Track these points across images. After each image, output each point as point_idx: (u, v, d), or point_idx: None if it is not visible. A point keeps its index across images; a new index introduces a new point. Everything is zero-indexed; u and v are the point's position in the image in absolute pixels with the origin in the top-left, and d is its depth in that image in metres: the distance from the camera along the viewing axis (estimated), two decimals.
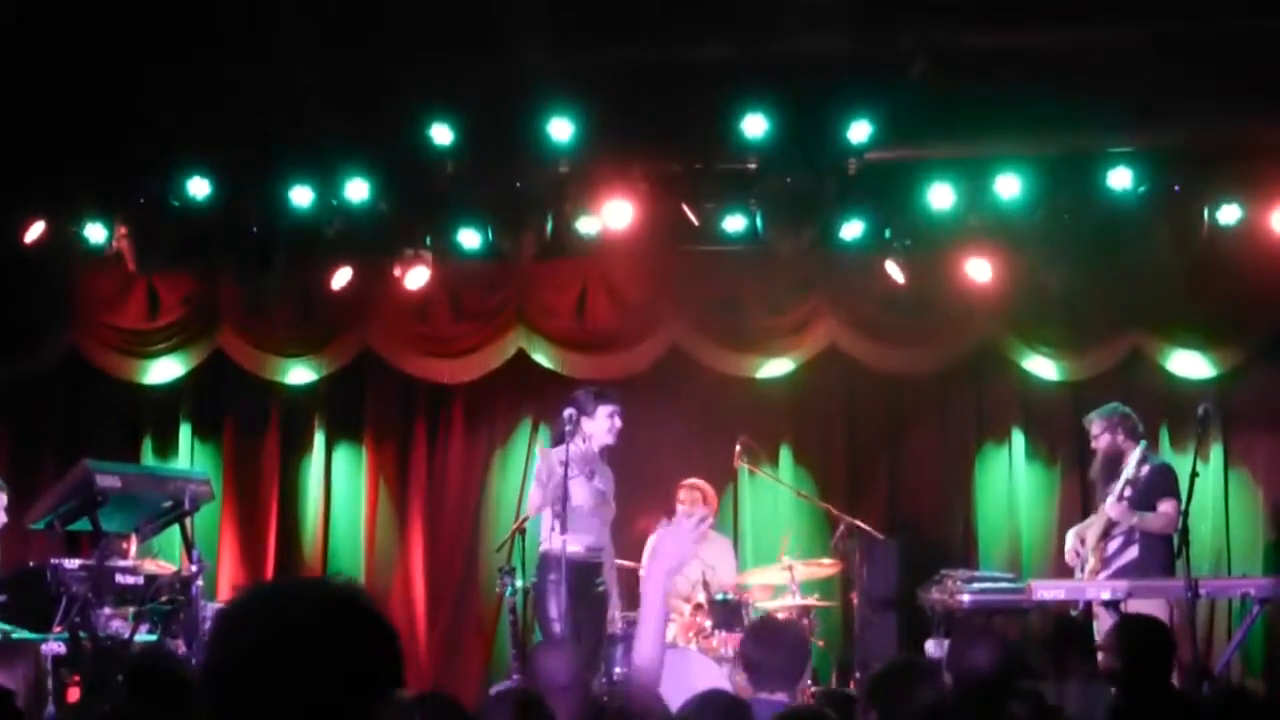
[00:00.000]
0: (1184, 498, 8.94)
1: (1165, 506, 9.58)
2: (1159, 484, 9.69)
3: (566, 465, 9.05)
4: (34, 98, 10.30)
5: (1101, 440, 9.94)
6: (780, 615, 9.90)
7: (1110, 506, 9.75)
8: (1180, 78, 9.90)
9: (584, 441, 9.50)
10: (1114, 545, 9.76)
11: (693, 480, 10.78)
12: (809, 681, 9.78)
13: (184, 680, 5.22)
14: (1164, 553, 9.57)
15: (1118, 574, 9.57)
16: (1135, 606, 8.88)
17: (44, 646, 8.07)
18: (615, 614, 9.49)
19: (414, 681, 7.70)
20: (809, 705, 5.51)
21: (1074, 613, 9.66)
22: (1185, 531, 8.75)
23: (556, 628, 9.04)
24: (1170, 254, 10.84)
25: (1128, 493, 9.70)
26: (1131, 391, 11.17)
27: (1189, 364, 11.17)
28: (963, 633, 8.81)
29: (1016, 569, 11.03)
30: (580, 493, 9.24)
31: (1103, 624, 9.49)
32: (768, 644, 6.02)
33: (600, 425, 9.47)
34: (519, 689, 5.46)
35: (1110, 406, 10.06)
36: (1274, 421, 11.37)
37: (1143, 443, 9.84)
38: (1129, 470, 9.71)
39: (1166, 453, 11.01)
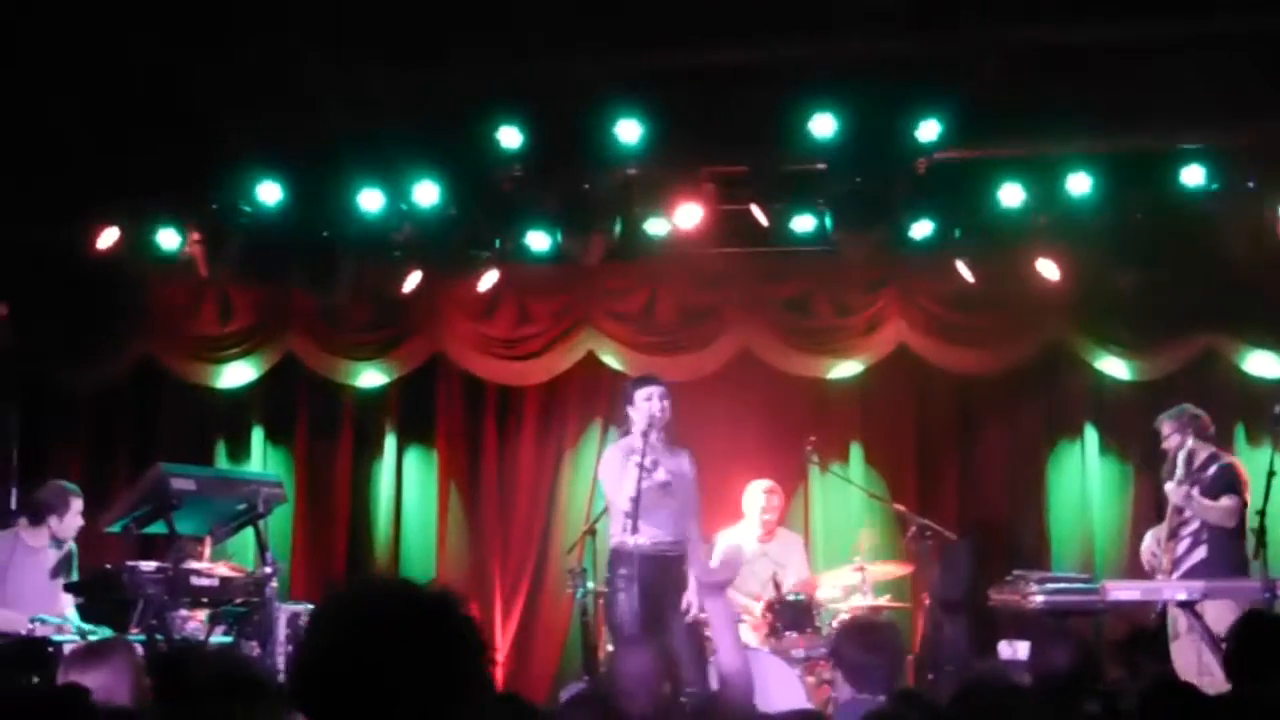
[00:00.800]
0: (1255, 496, 8.88)
1: (1226, 502, 9.54)
2: (1221, 481, 9.64)
3: (642, 462, 8.98)
4: (107, 105, 10.41)
5: (1172, 441, 9.87)
6: (875, 616, 9.83)
7: (1171, 489, 9.71)
8: (1253, 74, 9.82)
9: (628, 433, 9.44)
10: (1182, 546, 9.69)
11: (770, 484, 10.77)
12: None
13: (259, 681, 5.24)
14: (1233, 552, 9.50)
15: (1186, 575, 9.50)
16: (1210, 607, 8.81)
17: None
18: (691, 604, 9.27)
19: None
20: (892, 707, 5.48)
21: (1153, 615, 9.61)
22: (1263, 532, 8.68)
23: (625, 627, 8.99)
24: (1243, 252, 10.71)
25: (1194, 492, 9.64)
26: (1205, 390, 11.07)
27: (1264, 363, 11.06)
28: (1042, 633, 8.77)
29: (1090, 569, 10.95)
30: (631, 487, 9.10)
31: (1178, 625, 9.42)
32: (869, 647, 6.00)
33: (640, 410, 9.33)
34: (593, 693, 5.46)
35: (1179, 408, 9.98)
36: None
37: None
38: (1196, 468, 9.67)
39: (1243, 452, 10.89)
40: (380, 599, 2.71)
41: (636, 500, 8.82)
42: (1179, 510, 9.75)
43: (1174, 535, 9.74)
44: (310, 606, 9.53)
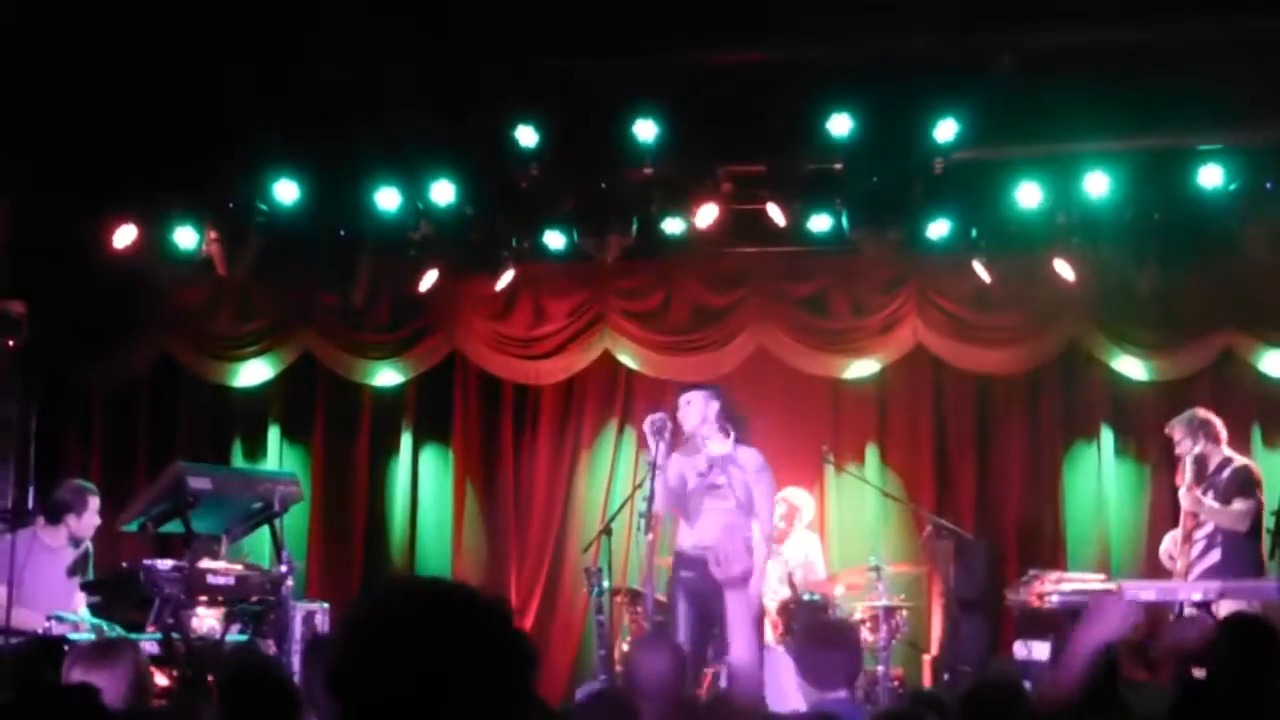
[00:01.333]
0: (1270, 497, 8.89)
1: (1238, 504, 9.52)
2: (1235, 484, 9.63)
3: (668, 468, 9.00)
4: (124, 104, 10.43)
5: (1183, 446, 9.86)
6: (827, 615, 9.82)
7: (1183, 494, 9.72)
8: (1272, 74, 9.79)
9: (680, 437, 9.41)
10: (1196, 549, 9.69)
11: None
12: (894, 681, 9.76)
13: (277, 680, 5.25)
14: (1248, 554, 9.49)
15: (1201, 577, 9.49)
16: (1224, 608, 8.79)
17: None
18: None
19: None
20: (905, 706, 5.49)
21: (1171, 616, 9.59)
22: (1278, 532, 8.66)
23: (679, 629, 8.98)
24: (1261, 253, 10.70)
25: (1208, 495, 9.64)
26: (1222, 391, 11.09)
27: None
28: (1065, 632, 8.78)
29: (1106, 569, 10.92)
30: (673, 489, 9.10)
31: None
32: (825, 644, 6.02)
33: (684, 416, 9.33)
34: (610, 693, 5.46)
35: (1189, 413, 9.96)
36: None
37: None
38: (1211, 471, 9.68)
39: (1259, 452, 10.89)
40: (438, 600, 2.69)
41: (650, 499, 8.81)
42: (1193, 514, 9.74)
43: (1188, 538, 9.75)
44: (326, 605, 9.54)
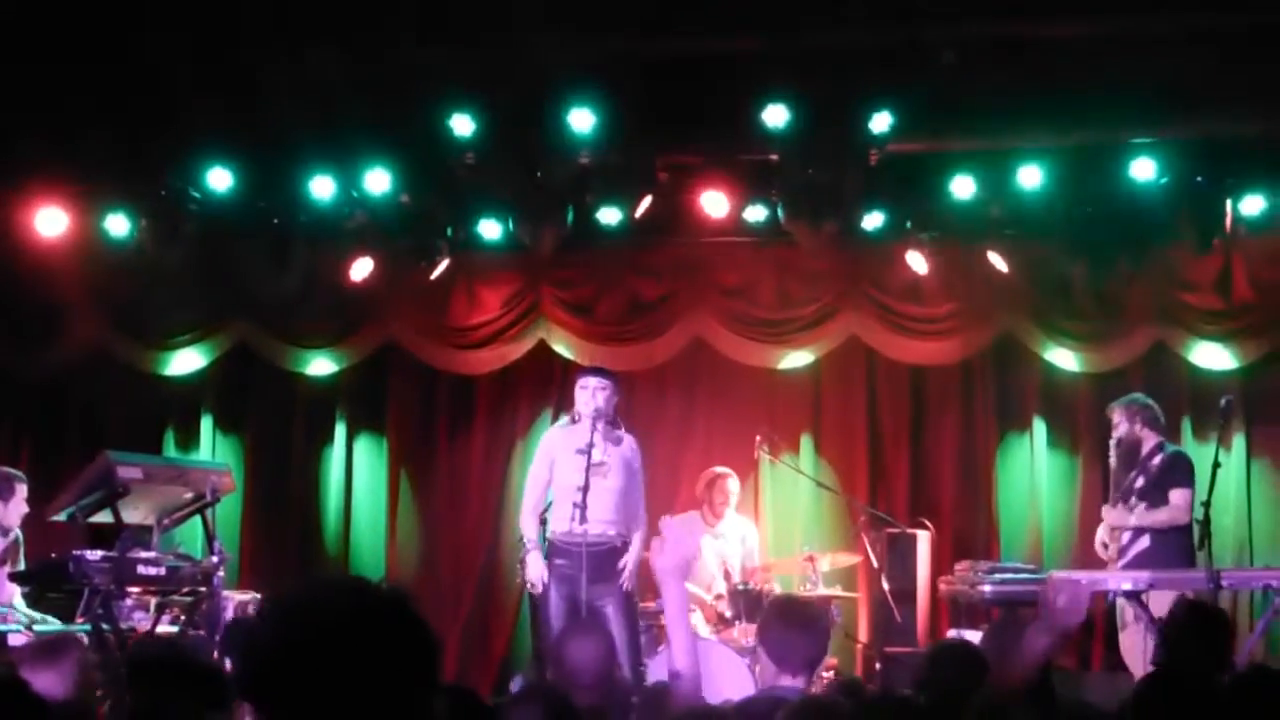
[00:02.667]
0: (1200, 488, 8.97)
1: (1176, 496, 9.58)
2: (1171, 473, 9.69)
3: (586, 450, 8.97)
4: (55, 90, 10.33)
5: (1120, 429, 9.93)
6: (806, 597, 9.86)
7: (1105, 511, 9.81)
8: (1203, 68, 9.87)
9: (574, 421, 9.42)
10: (1126, 537, 9.77)
11: (726, 470, 10.77)
12: (828, 671, 9.79)
13: (204, 671, 5.22)
14: (1178, 542, 9.54)
15: (1130, 565, 9.56)
16: (1156, 598, 8.86)
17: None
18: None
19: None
20: (824, 695, 5.49)
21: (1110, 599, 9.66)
22: (1207, 523, 8.74)
23: (553, 620, 8.94)
24: (1193, 245, 10.81)
25: (1139, 482, 9.71)
26: (1154, 383, 11.18)
27: (1212, 356, 11.14)
28: (1000, 622, 8.84)
29: (1038, 559, 11.00)
30: (572, 474, 9.12)
31: (1125, 615, 9.48)
32: (795, 625, 5.97)
33: (579, 400, 9.33)
34: (539, 687, 5.45)
35: (1130, 396, 10.05)
36: None
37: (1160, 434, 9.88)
38: (1144, 456, 9.75)
39: (1189, 444, 10.99)
40: (333, 595, 2.70)
41: (585, 490, 8.79)
42: (1126, 503, 9.80)
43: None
44: (258, 596, 9.49)
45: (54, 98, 10.40)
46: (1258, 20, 9.73)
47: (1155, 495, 9.64)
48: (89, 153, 10.77)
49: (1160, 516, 9.60)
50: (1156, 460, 9.74)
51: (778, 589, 10.43)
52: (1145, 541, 9.62)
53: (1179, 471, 9.68)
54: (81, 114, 10.50)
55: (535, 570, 9.04)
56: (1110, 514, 9.81)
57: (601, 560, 9.02)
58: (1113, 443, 9.94)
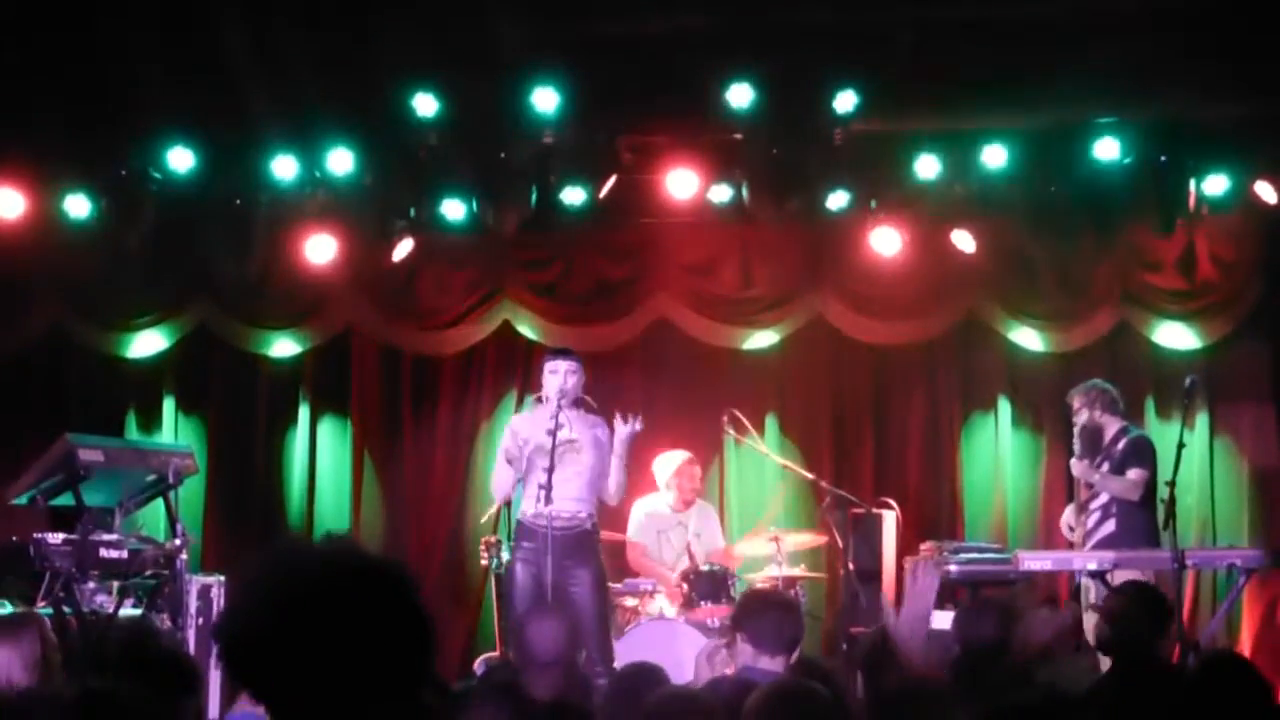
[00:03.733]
0: (1164, 468, 9.02)
1: (1134, 474, 9.63)
2: (1131, 455, 9.75)
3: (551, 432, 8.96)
4: (15, 69, 10.25)
5: (1081, 415, 9.96)
6: (766, 584, 9.88)
7: (1073, 463, 9.84)
8: (1167, 48, 9.91)
9: (541, 402, 9.44)
10: (1092, 520, 9.80)
11: (690, 455, 10.78)
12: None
13: (169, 654, 5.18)
14: (1143, 524, 9.59)
15: (1096, 547, 9.60)
16: (1121, 578, 8.89)
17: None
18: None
19: None
20: (795, 679, 5.48)
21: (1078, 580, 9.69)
22: (1172, 503, 8.77)
23: (520, 601, 8.95)
24: (1156, 225, 10.85)
25: (1104, 467, 9.76)
26: (1118, 363, 11.25)
27: (1175, 335, 11.19)
28: (967, 602, 8.88)
29: (1003, 539, 11.03)
30: (542, 457, 9.07)
31: (1090, 595, 9.52)
32: (775, 610, 6.01)
33: (547, 383, 9.35)
34: (501, 678, 5.43)
35: (1090, 382, 10.08)
36: (1259, 392, 11.40)
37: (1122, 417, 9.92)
38: (1107, 442, 9.79)
39: (1152, 424, 11.05)
40: (331, 565, 2.63)
41: (550, 471, 8.79)
42: (1088, 484, 9.85)
43: (1084, 509, 9.86)
44: (221, 579, 9.42)
45: (11, 77, 10.31)
46: (1221, 1, 9.77)
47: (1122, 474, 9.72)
48: (47, 133, 10.70)
49: (1114, 485, 9.65)
50: (1120, 445, 9.79)
51: (742, 571, 10.45)
52: (1111, 525, 9.66)
53: (1138, 453, 9.74)
54: (40, 93, 10.42)
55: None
56: (1077, 466, 9.84)
57: (571, 542, 9.02)
58: (1076, 430, 9.97)
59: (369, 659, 2.52)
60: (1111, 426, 9.88)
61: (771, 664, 5.78)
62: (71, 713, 3.16)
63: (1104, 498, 9.77)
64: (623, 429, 9.18)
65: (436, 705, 4.59)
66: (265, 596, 2.57)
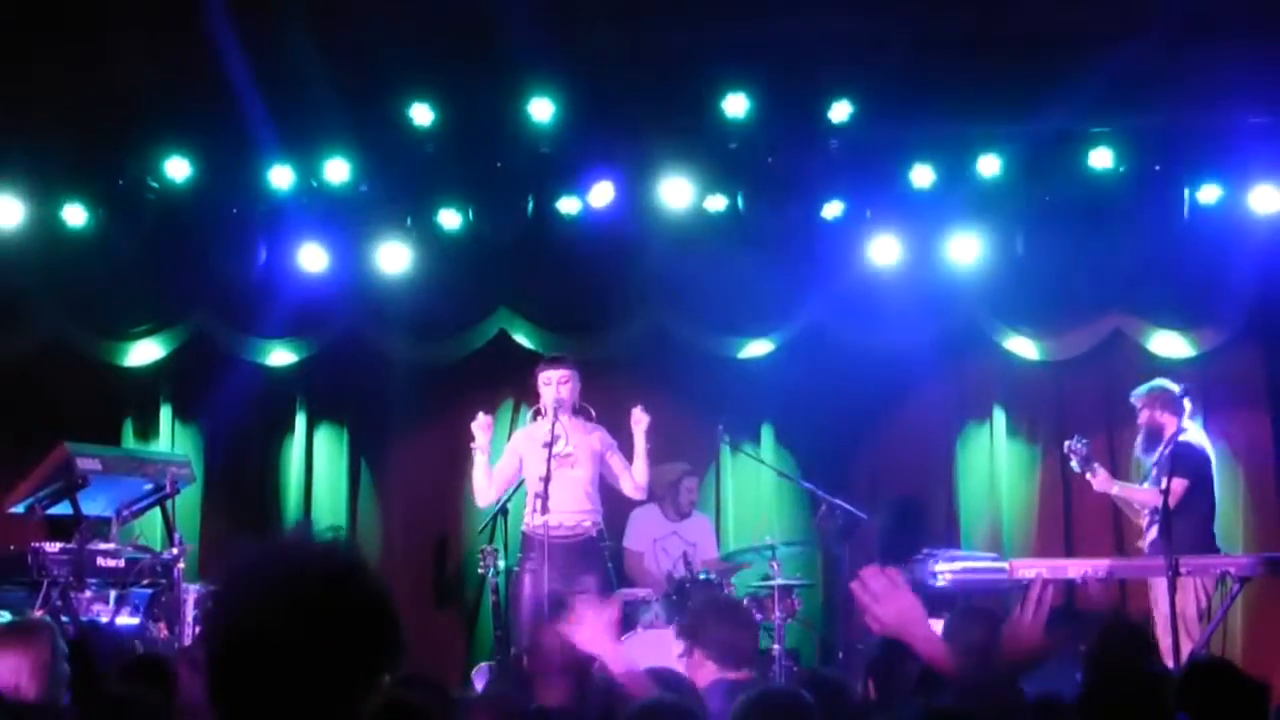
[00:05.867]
0: (1208, 471, 9.37)
1: (1175, 482, 9.62)
2: (1173, 463, 9.72)
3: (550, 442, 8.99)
4: (10, 78, 10.27)
5: (1141, 416, 9.99)
6: (730, 595, 9.88)
7: (1094, 478, 9.86)
8: (1161, 58, 9.93)
9: (540, 415, 9.53)
10: (1145, 523, 9.83)
11: (688, 467, 10.84)
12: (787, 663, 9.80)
13: (157, 663, 5.20)
14: (1182, 530, 9.54)
15: (1149, 552, 9.64)
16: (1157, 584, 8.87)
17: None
18: None
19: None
20: (784, 686, 5.49)
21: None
22: (1166, 511, 8.79)
23: (525, 612, 9.00)
24: (1151, 234, 10.87)
25: (1154, 472, 9.77)
26: (1112, 371, 11.28)
27: (1169, 344, 11.20)
28: (960, 610, 8.86)
29: (998, 548, 11.03)
30: (537, 466, 9.13)
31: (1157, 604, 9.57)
32: (736, 623, 6.00)
33: (543, 394, 9.44)
34: (500, 690, 5.44)
35: (1150, 384, 10.06)
36: (1253, 400, 11.41)
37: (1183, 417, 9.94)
38: (1163, 446, 9.78)
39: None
40: (285, 569, 2.64)
41: (547, 480, 8.84)
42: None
43: (1140, 514, 9.95)
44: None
45: (9, 85, 10.33)
46: (1214, 11, 9.80)
47: (1158, 485, 9.73)
48: (45, 141, 10.71)
49: (1137, 495, 9.71)
50: (1168, 450, 9.77)
51: (738, 579, 10.47)
52: (1155, 532, 9.64)
53: (1178, 461, 9.70)
54: (37, 102, 10.44)
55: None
56: (1097, 480, 9.90)
57: (576, 551, 9.09)
58: (1142, 429, 9.99)
59: (329, 662, 2.53)
60: (1170, 427, 9.86)
61: (738, 675, 5.76)
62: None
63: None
64: (638, 424, 9.27)
65: (429, 707, 4.60)
66: (225, 612, 2.60)
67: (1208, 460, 10.01)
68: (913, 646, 4.53)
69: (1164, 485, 9.16)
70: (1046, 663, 5.26)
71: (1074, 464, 9.96)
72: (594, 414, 9.60)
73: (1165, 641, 9.10)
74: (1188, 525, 9.60)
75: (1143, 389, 10.09)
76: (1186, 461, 9.69)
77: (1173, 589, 8.60)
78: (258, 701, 2.55)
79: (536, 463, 9.12)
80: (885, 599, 4.43)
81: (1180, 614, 9.10)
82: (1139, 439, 10.07)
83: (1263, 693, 4.71)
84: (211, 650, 2.60)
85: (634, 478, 9.54)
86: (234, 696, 2.58)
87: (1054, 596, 4.58)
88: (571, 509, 9.16)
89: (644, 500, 10.48)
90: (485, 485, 9.65)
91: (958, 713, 3.71)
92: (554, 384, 9.31)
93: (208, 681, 2.60)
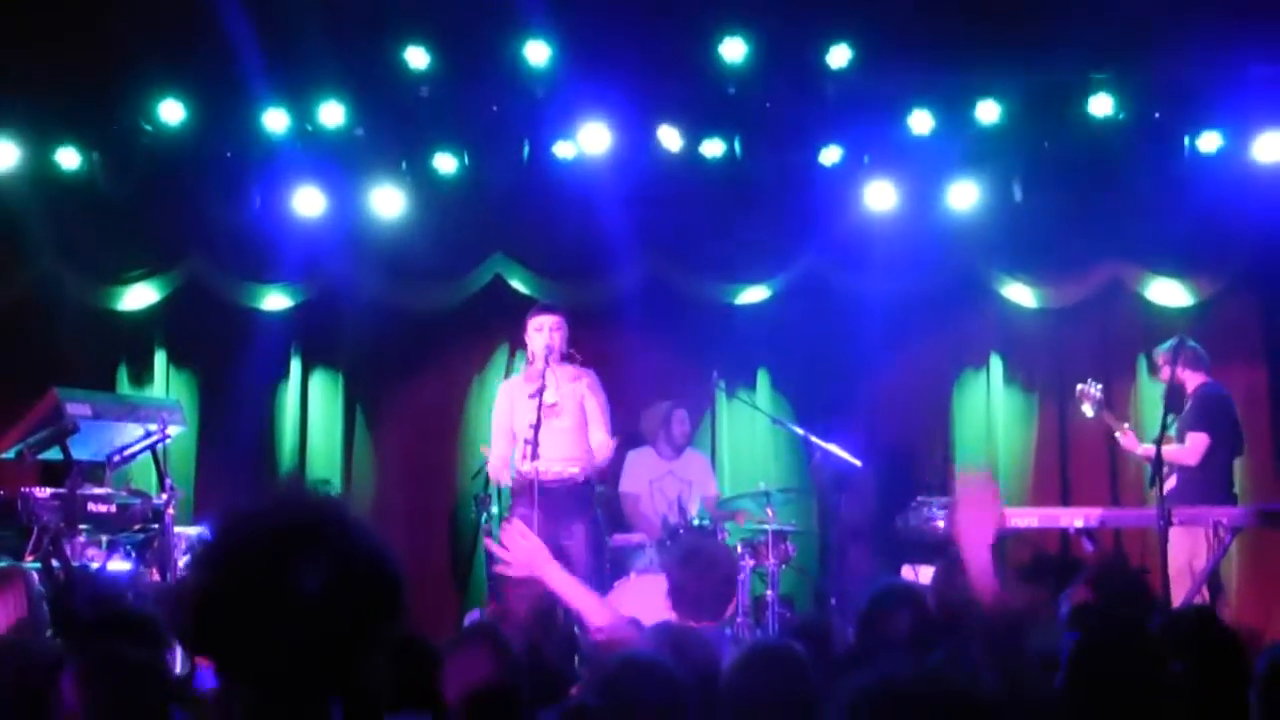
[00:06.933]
0: (1221, 427, 9.48)
1: (1191, 438, 9.61)
2: (1193, 415, 9.72)
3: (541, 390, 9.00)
4: (4, 23, 10.21)
5: (1163, 372, 9.94)
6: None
7: (1118, 436, 9.86)
8: (1162, 5, 9.87)
9: (531, 363, 9.52)
10: (1167, 472, 9.83)
11: (675, 404, 10.85)
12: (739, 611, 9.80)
13: (137, 610, 5.19)
14: (1199, 483, 9.58)
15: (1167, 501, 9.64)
16: (1174, 534, 8.87)
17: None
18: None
19: None
20: (777, 639, 5.49)
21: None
22: (1158, 461, 8.78)
23: None
24: (1150, 182, 10.81)
25: (1178, 424, 9.75)
26: (1110, 319, 11.26)
27: (1167, 292, 11.16)
28: (948, 559, 8.84)
29: None
30: (528, 415, 9.14)
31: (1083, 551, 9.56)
32: (703, 573, 5.93)
33: (533, 341, 9.43)
34: (483, 628, 5.42)
35: (1172, 340, 9.98)
36: (1250, 349, 11.38)
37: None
38: (1187, 399, 9.77)
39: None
40: (269, 524, 2.60)
41: (537, 427, 8.83)
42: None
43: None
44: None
45: (3, 30, 10.27)
46: None
47: (1181, 438, 9.72)
48: (39, 85, 10.66)
49: (1176, 455, 9.69)
50: (1190, 404, 9.74)
51: (735, 524, 10.49)
52: (1173, 481, 9.61)
53: (1197, 413, 9.71)
54: (32, 46, 10.38)
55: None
56: (1123, 439, 9.95)
57: (564, 497, 9.09)
58: (1178, 386, 9.96)
59: (324, 617, 2.49)
60: (1193, 382, 9.84)
61: (699, 627, 5.70)
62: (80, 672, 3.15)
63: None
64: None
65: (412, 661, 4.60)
66: (212, 563, 2.56)
67: (1231, 409, 9.98)
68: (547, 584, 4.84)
69: (1162, 431, 9.15)
70: (1034, 616, 5.25)
71: (1086, 408, 9.94)
72: (579, 358, 9.57)
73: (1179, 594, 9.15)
74: (1199, 476, 9.60)
75: (1165, 345, 10.01)
76: (1206, 414, 9.68)
77: (1164, 541, 8.58)
78: (240, 655, 2.52)
79: (525, 411, 9.13)
80: (514, 546, 4.72)
81: (1188, 567, 9.12)
82: (1163, 395, 10.00)
83: (1237, 643, 4.69)
84: (196, 601, 2.56)
85: (593, 437, 9.51)
86: (215, 647, 2.55)
87: (989, 540, 4.54)
88: (559, 457, 9.15)
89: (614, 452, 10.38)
90: (501, 452, 9.59)
91: (941, 675, 3.70)
92: (546, 330, 9.28)
93: (190, 630, 2.57)
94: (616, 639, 5.06)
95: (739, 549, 9.82)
